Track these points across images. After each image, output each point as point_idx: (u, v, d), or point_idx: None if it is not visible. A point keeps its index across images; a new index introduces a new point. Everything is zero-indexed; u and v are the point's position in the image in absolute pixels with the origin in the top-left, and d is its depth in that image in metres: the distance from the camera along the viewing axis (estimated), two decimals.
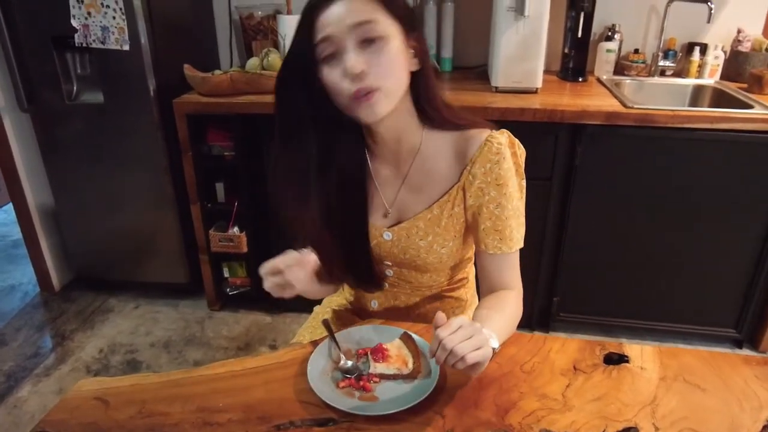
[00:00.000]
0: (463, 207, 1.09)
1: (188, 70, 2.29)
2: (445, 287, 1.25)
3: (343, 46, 0.92)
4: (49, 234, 2.80)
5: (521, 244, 1.09)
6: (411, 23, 0.99)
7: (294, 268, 1.01)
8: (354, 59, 0.91)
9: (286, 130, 1.03)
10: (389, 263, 1.19)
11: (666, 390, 0.94)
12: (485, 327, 0.90)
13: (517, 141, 1.07)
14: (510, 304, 1.07)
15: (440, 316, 0.87)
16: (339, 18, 0.91)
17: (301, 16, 0.95)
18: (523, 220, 1.09)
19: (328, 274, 1.14)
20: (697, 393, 0.94)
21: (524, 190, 1.09)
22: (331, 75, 0.94)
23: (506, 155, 1.03)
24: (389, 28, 0.94)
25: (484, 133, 1.05)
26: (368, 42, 0.92)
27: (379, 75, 0.93)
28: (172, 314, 2.69)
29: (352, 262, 1.16)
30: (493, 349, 0.89)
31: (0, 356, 2.42)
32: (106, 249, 2.72)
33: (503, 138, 1.04)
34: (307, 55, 0.94)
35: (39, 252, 2.78)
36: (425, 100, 1.05)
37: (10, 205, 2.75)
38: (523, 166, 1.07)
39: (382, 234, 1.13)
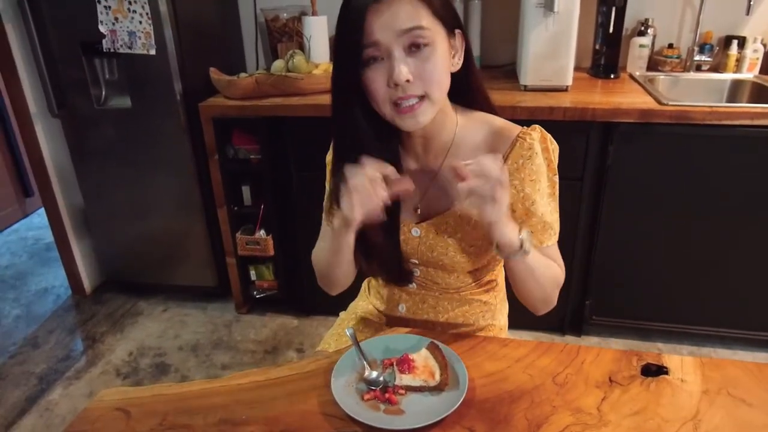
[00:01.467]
0: None
1: (214, 73, 2.29)
2: (474, 290, 1.22)
3: (391, 52, 0.90)
4: (80, 237, 2.84)
5: (555, 239, 1.08)
6: (454, 23, 0.98)
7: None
8: (401, 67, 0.90)
9: (342, 131, 1.04)
10: (416, 261, 1.17)
11: (709, 404, 0.89)
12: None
13: (549, 136, 1.05)
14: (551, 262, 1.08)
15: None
16: (388, 23, 0.89)
17: (344, 11, 0.93)
18: (556, 216, 1.08)
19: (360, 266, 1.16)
20: (743, 408, 0.88)
21: (557, 186, 1.07)
22: (375, 80, 0.93)
23: (538, 151, 1.02)
24: (436, 32, 0.93)
25: (515, 130, 1.04)
26: (416, 48, 0.91)
27: (425, 83, 0.93)
28: (200, 317, 2.70)
29: (384, 255, 1.15)
30: (523, 247, 0.94)
31: (33, 359, 2.46)
32: (136, 252, 2.74)
33: (535, 134, 1.03)
34: (351, 54, 0.93)
35: (70, 255, 2.82)
36: (470, 97, 1.07)
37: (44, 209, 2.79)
38: (557, 162, 1.05)
39: (410, 230, 1.12)
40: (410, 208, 1.13)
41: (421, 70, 0.92)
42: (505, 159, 1.03)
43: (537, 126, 1.05)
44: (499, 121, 1.08)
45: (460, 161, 0.97)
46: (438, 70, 0.94)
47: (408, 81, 0.91)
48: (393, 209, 1.11)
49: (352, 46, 0.91)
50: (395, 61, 0.90)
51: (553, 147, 1.05)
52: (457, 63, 1.01)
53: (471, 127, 1.08)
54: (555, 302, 1.10)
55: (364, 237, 1.10)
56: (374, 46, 0.90)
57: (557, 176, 1.05)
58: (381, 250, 1.14)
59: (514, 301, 1.32)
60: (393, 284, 1.25)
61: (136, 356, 2.44)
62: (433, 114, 0.97)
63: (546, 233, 1.06)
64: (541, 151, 1.03)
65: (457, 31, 0.98)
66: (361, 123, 1.01)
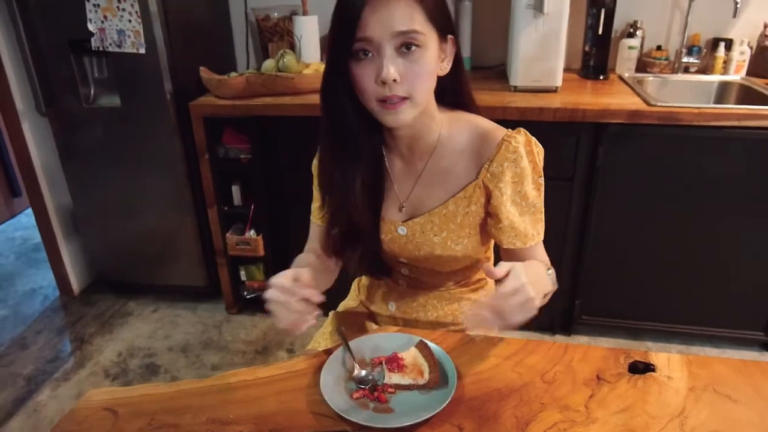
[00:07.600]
0: (481, 205, 1.08)
1: (204, 72, 2.28)
2: (463, 288, 1.24)
3: (382, 50, 0.91)
4: (68, 238, 2.81)
5: (539, 239, 1.09)
6: (448, 28, 0.98)
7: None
8: (390, 67, 0.91)
9: (330, 118, 1.04)
10: (404, 260, 1.18)
11: (695, 401, 0.90)
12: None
13: (534, 139, 1.06)
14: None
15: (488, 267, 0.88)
16: (383, 22, 0.89)
17: (341, 2, 0.93)
18: (540, 216, 1.09)
19: (340, 258, 1.19)
20: (729, 404, 0.89)
21: (542, 188, 1.08)
22: (363, 74, 0.94)
23: (523, 154, 1.03)
24: (429, 36, 0.93)
25: (500, 132, 1.05)
26: (406, 49, 0.92)
27: (411, 84, 0.94)
28: (190, 318, 2.68)
29: (364, 249, 1.17)
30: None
31: (20, 360, 2.44)
32: (125, 252, 2.72)
33: (520, 137, 1.04)
34: (343, 44, 0.93)
35: (58, 255, 2.79)
36: (457, 101, 1.09)
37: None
38: (542, 164, 1.06)
39: (396, 229, 1.13)
40: (395, 208, 1.14)
41: (408, 71, 0.92)
42: (491, 161, 1.03)
43: (522, 129, 1.05)
44: (484, 123, 1.08)
45: (445, 171, 1.02)
46: (424, 73, 0.94)
47: (395, 81, 0.91)
48: (374, 205, 1.13)
49: (344, 36, 0.92)
50: (385, 60, 0.91)
51: (538, 150, 1.06)
52: (446, 68, 1.01)
53: (456, 128, 1.08)
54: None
55: (346, 233, 1.12)
56: (366, 41, 0.91)
57: (542, 178, 1.07)
58: (362, 245, 1.15)
59: None
60: (375, 277, 1.28)
61: (126, 357, 2.42)
62: (414, 114, 0.97)
63: (522, 239, 1.06)
64: (526, 154, 1.03)
65: (449, 36, 0.99)
66: (349, 112, 1.01)
